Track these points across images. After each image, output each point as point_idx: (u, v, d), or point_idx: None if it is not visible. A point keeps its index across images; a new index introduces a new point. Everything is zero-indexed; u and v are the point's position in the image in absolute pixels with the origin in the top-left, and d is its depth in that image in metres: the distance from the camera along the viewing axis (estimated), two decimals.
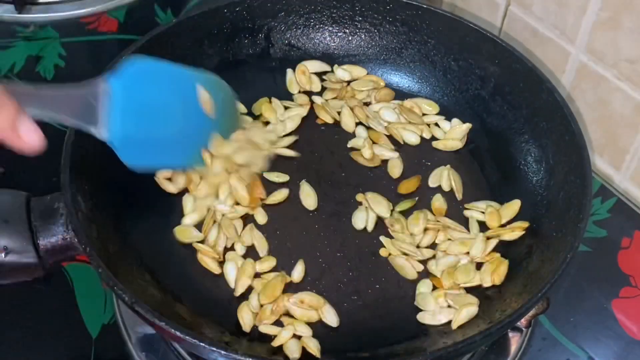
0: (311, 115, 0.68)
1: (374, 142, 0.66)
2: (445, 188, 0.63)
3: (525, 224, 0.59)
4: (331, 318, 0.54)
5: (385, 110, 0.68)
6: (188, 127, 0.54)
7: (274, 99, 0.68)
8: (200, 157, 0.57)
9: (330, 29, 0.72)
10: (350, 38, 0.73)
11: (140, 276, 0.54)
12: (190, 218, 0.59)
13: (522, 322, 0.55)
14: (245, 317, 0.53)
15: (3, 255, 0.50)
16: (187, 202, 0.60)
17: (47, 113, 0.45)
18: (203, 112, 0.54)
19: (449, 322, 0.54)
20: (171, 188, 0.61)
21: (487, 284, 0.56)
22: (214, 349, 0.45)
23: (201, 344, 0.45)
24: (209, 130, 0.56)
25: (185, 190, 0.61)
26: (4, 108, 0.40)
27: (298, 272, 0.56)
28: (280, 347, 0.52)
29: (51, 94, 0.46)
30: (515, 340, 0.59)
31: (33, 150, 0.42)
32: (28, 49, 0.81)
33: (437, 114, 0.69)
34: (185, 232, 0.59)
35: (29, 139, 0.41)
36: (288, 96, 0.70)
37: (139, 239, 0.57)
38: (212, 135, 0.56)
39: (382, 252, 0.58)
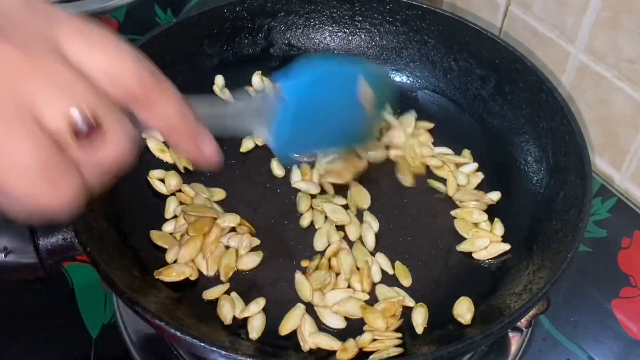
0: None
1: None
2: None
3: None
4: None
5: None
6: (346, 120, 0.54)
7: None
8: (352, 142, 0.58)
9: (330, 29, 0.72)
10: (350, 38, 0.73)
11: (140, 276, 0.54)
12: (170, 225, 0.59)
13: (522, 322, 0.55)
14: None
15: (3, 255, 0.50)
16: (170, 205, 0.60)
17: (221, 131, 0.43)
18: (361, 105, 0.53)
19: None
20: (163, 189, 0.61)
21: None
22: (214, 349, 0.45)
23: (201, 344, 0.45)
24: (363, 120, 0.55)
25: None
26: (190, 119, 0.37)
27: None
28: (283, 347, 0.52)
29: (228, 112, 0.45)
30: (515, 340, 0.59)
31: (211, 164, 0.39)
32: None
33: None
34: (162, 237, 0.58)
35: (208, 152, 0.38)
36: None
37: (138, 239, 0.57)
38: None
39: None
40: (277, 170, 0.63)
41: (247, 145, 0.65)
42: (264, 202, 0.61)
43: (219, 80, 0.69)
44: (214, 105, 0.43)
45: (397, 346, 0.51)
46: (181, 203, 0.60)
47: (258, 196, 0.62)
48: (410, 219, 0.61)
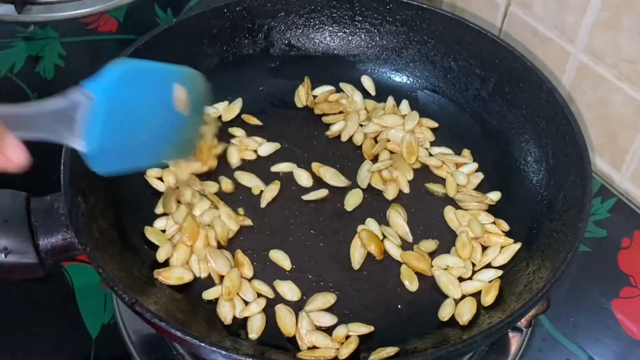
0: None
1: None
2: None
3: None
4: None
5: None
6: (163, 127, 0.51)
7: None
8: (171, 154, 0.54)
9: (330, 29, 0.72)
10: (350, 38, 0.73)
11: (140, 276, 0.54)
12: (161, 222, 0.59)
13: (522, 322, 0.55)
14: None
15: (3, 255, 0.50)
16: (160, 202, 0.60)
17: (27, 134, 0.42)
18: (177, 109, 0.51)
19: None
20: (161, 187, 0.61)
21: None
22: (214, 349, 0.45)
23: (201, 344, 0.45)
24: (181, 126, 0.52)
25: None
26: None
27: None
28: (283, 347, 0.52)
29: (30, 113, 0.42)
30: (515, 340, 0.59)
31: (19, 168, 0.40)
32: (28, 49, 0.81)
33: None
34: (155, 233, 0.58)
35: (14, 156, 0.39)
36: (290, 100, 0.70)
37: (138, 239, 0.57)
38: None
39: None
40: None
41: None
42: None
43: None
44: (14, 107, 0.41)
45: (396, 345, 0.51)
46: (178, 202, 0.60)
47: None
48: (413, 220, 0.61)
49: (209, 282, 0.56)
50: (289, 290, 0.55)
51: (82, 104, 0.44)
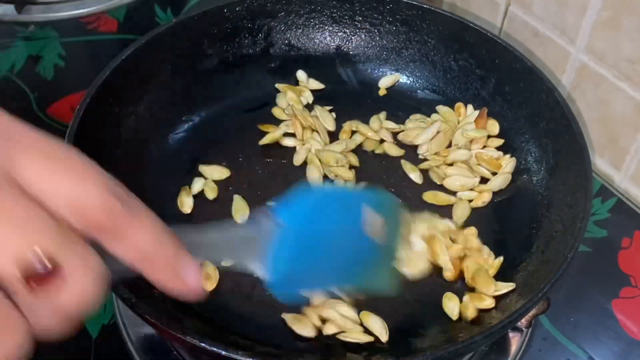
0: None
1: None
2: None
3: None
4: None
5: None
6: (354, 256, 0.47)
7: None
8: (369, 282, 0.49)
9: (330, 29, 0.72)
10: (350, 38, 0.73)
11: (140, 276, 0.54)
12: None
13: (523, 322, 0.55)
14: None
15: None
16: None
17: (206, 258, 0.40)
18: (368, 236, 0.46)
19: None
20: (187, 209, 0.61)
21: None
22: (214, 349, 0.45)
23: (201, 344, 0.45)
24: (376, 252, 0.48)
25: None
26: (169, 247, 0.33)
27: None
28: (280, 346, 0.52)
29: (219, 241, 0.40)
30: (515, 341, 0.59)
31: (194, 297, 0.33)
32: (28, 49, 0.81)
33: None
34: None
35: (192, 284, 0.33)
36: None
37: None
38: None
39: None
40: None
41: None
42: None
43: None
44: (198, 232, 0.38)
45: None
46: None
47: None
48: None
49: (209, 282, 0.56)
50: None
51: (270, 231, 0.41)
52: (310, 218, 0.43)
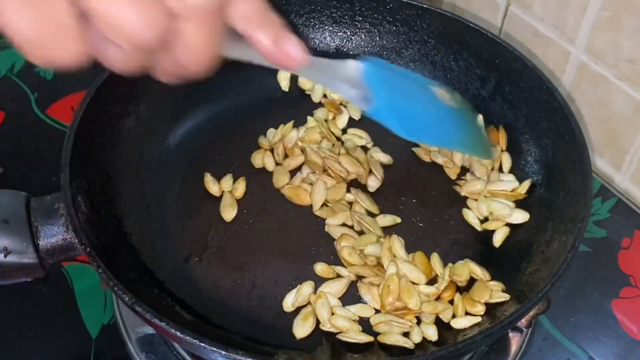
0: None
1: None
2: None
3: None
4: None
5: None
6: (438, 113, 0.54)
7: None
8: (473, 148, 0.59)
9: (330, 29, 0.72)
10: (350, 38, 0.73)
11: (140, 276, 0.54)
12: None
13: (523, 322, 0.55)
14: None
15: (3, 255, 0.50)
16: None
17: (324, 79, 0.46)
18: (445, 105, 0.55)
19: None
20: (215, 189, 0.62)
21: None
22: (214, 349, 0.45)
23: (201, 344, 0.45)
24: (455, 118, 0.56)
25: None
26: (270, 23, 0.38)
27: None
28: (281, 346, 0.52)
29: (323, 63, 0.46)
30: (515, 340, 0.59)
31: (296, 66, 0.39)
32: None
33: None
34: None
35: (293, 53, 0.38)
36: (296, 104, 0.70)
37: (138, 239, 0.57)
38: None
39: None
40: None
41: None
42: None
43: None
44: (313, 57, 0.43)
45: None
46: None
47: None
48: (420, 216, 0.61)
49: (209, 282, 0.56)
50: None
51: (360, 68, 0.47)
52: (399, 83, 0.51)
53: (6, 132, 0.74)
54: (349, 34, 0.72)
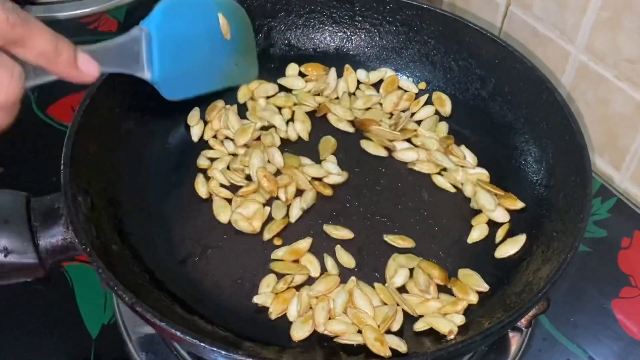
0: None
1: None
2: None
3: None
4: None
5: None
6: (216, 54, 0.60)
7: None
8: (226, 79, 0.64)
9: (330, 29, 0.72)
10: (350, 38, 0.73)
11: (140, 276, 0.54)
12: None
13: (522, 322, 0.55)
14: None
15: (3, 255, 0.50)
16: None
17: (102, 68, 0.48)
18: (223, 37, 0.60)
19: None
20: (203, 191, 0.62)
21: None
22: (214, 349, 0.45)
23: (201, 344, 0.45)
24: (230, 53, 0.62)
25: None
26: (65, 48, 0.43)
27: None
28: (280, 346, 0.52)
29: (98, 49, 0.49)
30: (515, 340, 0.59)
31: (92, 79, 0.46)
32: None
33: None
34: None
35: (87, 69, 0.45)
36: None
37: (138, 239, 0.57)
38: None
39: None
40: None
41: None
42: None
43: None
44: (86, 46, 0.47)
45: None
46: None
47: None
48: (414, 215, 0.61)
49: (209, 282, 0.56)
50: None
51: (140, 37, 0.52)
52: (171, 18, 0.54)
53: (6, 132, 0.74)
54: (349, 34, 0.72)
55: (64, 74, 0.44)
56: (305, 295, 0.54)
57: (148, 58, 0.53)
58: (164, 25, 0.54)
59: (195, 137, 0.66)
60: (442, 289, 0.56)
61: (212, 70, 0.61)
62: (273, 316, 0.54)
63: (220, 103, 0.67)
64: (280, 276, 0.56)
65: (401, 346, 0.51)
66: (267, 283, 0.55)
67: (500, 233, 0.59)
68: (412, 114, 0.69)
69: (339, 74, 0.71)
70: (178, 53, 0.56)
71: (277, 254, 0.57)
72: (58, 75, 0.44)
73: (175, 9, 0.55)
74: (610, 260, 0.65)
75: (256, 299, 0.55)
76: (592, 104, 0.69)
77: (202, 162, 0.64)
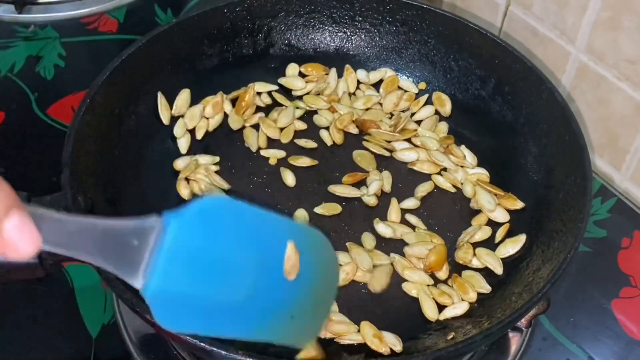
0: None
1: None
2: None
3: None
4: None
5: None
6: (258, 292, 0.40)
7: None
8: (264, 331, 0.43)
9: (330, 29, 0.72)
10: (350, 38, 0.73)
11: None
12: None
13: (522, 322, 0.55)
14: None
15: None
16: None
17: (63, 249, 0.34)
18: (283, 274, 0.41)
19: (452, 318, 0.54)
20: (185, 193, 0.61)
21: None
22: (214, 349, 0.44)
23: (201, 344, 0.45)
24: (288, 299, 0.42)
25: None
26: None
27: None
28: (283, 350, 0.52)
29: (78, 224, 0.35)
30: (515, 340, 0.59)
31: (20, 257, 0.31)
32: (28, 49, 0.81)
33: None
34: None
35: (16, 240, 0.30)
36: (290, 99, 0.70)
37: None
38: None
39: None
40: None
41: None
42: None
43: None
44: (52, 213, 0.33)
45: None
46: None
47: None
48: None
49: None
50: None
51: (150, 232, 0.36)
52: (205, 228, 0.37)
53: (6, 132, 0.74)
54: (349, 34, 0.72)
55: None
56: None
57: (150, 261, 0.35)
58: (191, 228, 0.37)
59: (183, 149, 0.65)
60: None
61: (246, 311, 0.40)
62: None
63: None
64: None
65: (396, 345, 0.51)
66: None
67: (500, 233, 0.59)
68: (412, 114, 0.69)
69: (339, 74, 0.71)
70: (200, 271, 0.37)
71: None
72: None
73: (221, 213, 0.38)
74: (610, 260, 0.65)
75: None
76: (592, 104, 0.69)
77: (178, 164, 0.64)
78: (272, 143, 0.66)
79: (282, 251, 0.40)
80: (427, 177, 0.64)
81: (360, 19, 0.72)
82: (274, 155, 0.65)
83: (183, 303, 0.37)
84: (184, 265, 0.36)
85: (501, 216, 0.61)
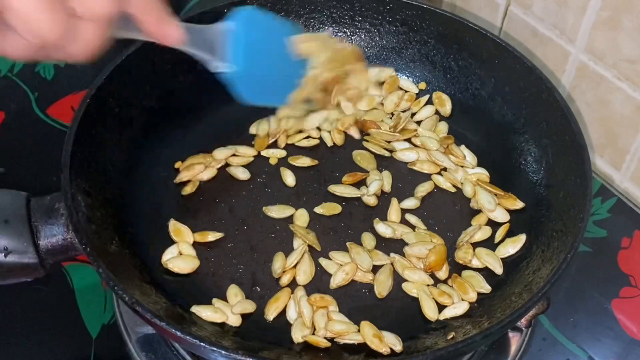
0: None
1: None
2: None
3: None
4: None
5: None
6: (284, 69, 0.58)
7: None
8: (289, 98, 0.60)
9: (330, 29, 0.72)
10: (350, 38, 0.73)
11: (140, 276, 0.54)
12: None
13: (522, 322, 0.55)
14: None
15: (3, 255, 0.50)
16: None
17: (184, 46, 0.48)
18: (292, 57, 0.57)
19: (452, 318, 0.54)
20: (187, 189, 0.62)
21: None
22: (214, 349, 0.45)
23: (201, 344, 0.45)
24: (298, 75, 0.59)
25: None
26: (157, 9, 0.44)
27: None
28: (284, 349, 0.52)
29: (184, 25, 0.48)
30: (515, 340, 0.59)
31: (176, 43, 0.46)
32: None
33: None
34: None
35: (170, 33, 0.45)
36: None
37: (139, 239, 0.57)
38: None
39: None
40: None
41: None
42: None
43: None
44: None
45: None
46: None
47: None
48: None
49: (209, 281, 0.56)
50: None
51: (224, 31, 0.51)
52: (259, 25, 0.54)
53: (6, 132, 0.74)
54: (349, 34, 0.72)
55: (149, 30, 0.44)
56: (300, 296, 0.54)
57: (226, 54, 0.52)
58: (249, 27, 0.53)
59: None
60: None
61: (284, 84, 0.59)
62: (270, 317, 0.54)
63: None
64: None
65: (396, 345, 0.51)
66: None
67: (500, 233, 0.59)
68: (413, 114, 0.69)
69: None
70: (258, 56, 0.54)
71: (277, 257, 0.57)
72: (143, 29, 0.44)
73: (258, 17, 0.54)
74: (610, 260, 0.65)
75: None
76: (592, 104, 0.69)
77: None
78: (272, 143, 0.66)
79: (284, 40, 0.57)
80: (427, 177, 0.64)
81: (360, 19, 0.72)
82: (274, 155, 0.65)
83: (250, 80, 0.54)
84: (253, 53, 0.53)
85: (501, 216, 0.61)
